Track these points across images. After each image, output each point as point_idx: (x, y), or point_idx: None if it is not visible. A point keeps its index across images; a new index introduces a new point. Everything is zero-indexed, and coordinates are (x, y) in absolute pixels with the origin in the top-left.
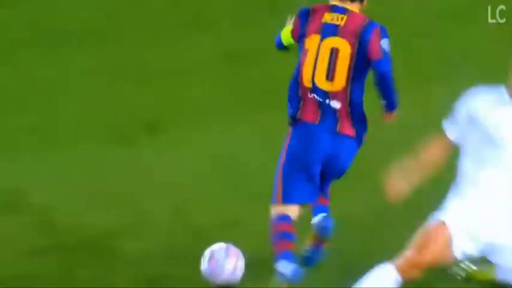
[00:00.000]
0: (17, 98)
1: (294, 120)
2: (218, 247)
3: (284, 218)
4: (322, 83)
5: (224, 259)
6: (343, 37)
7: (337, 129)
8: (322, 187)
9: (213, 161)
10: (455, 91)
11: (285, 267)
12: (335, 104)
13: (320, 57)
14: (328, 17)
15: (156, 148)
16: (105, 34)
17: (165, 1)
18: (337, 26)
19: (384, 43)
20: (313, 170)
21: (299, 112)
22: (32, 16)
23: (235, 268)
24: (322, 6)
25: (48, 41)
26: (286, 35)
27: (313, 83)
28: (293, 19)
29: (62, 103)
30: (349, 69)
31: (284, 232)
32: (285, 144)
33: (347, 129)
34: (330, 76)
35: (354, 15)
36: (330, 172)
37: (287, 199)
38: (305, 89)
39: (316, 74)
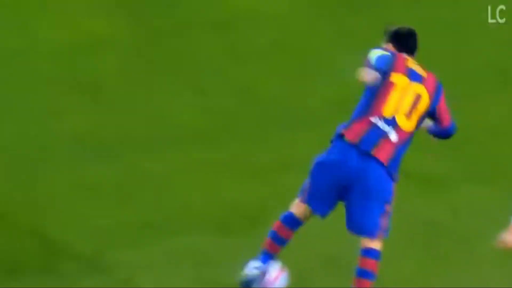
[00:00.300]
0: (127, 195)
1: (337, 137)
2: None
3: (292, 221)
4: (401, 119)
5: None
6: (425, 87)
7: (372, 152)
8: (361, 220)
9: (314, 255)
10: None
11: (253, 268)
12: (393, 137)
13: (407, 96)
14: (412, 64)
15: (256, 240)
16: (206, 133)
17: (266, 101)
18: (422, 76)
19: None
20: (333, 184)
21: (346, 130)
22: (137, 118)
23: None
24: (402, 54)
25: (154, 140)
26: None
27: (393, 115)
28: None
29: (168, 198)
30: (420, 117)
31: (282, 237)
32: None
33: (382, 156)
34: (409, 115)
35: (427, 70)
36: (361, 192)
37: (307, 201)
38: (378, 114)
39: (399, 109)
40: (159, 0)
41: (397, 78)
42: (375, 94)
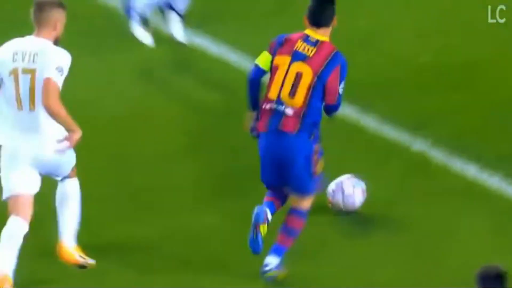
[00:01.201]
0: None
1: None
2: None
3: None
4: (285, 97)
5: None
6: (308, 64)
7: (279, 126)
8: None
9: None
10: None
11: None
12: (289, 111)
13: (287, 76)
14: (300, 46)
15: None
16: None
17: None
18: (306, 56)
19: (341, 87)
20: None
21: (258, 123)
22: None
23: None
24: (297, 35)
25: None
26: (262, 58)
27: (278, 96)
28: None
29: None
30: (307, 92)
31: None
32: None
33: (288, 127)
34: (292, 93)
35: (323, 46)
36: (286, 173)
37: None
38: (268, 99)
39: (283, 89)
40: None
41: (279, 60)
42: (269, 79)
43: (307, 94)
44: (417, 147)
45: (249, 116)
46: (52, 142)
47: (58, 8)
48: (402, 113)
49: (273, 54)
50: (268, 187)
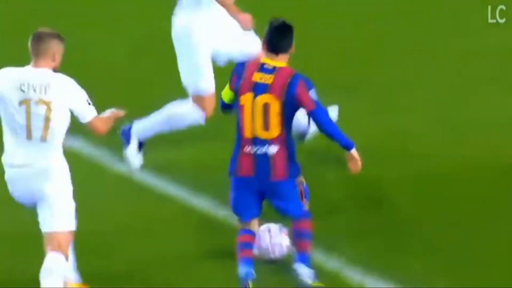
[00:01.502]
0: None
1: (232, 175)
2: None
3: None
4: (261, 133)
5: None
6: (272, 93)
7: (271, 177)
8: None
9: None
10: None
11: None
12: (273, 149)
13: (255, 111)
14: (258, 77)
15: None
16: None
17: None
18: (267, 85)
19: (312, 94)
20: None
21: (235, 168)
22: None
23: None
24: (253, 63)
25: None
26: (225, 93)
27: (253, 133)
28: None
29: None
30: (280, 118)
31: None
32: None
33: (280, 174)
34: (265, 126)
35: (281, 72)
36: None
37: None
38: (245, 140)
39: (255, 126)
40: None
41: (243, 99)
42: (238, 121)
43: (280, 121)
44: (331, 265)
45: None
46: (54, 175)
47: (56, 39)
48: None
49: (236, 87)
50: (245, 217)
